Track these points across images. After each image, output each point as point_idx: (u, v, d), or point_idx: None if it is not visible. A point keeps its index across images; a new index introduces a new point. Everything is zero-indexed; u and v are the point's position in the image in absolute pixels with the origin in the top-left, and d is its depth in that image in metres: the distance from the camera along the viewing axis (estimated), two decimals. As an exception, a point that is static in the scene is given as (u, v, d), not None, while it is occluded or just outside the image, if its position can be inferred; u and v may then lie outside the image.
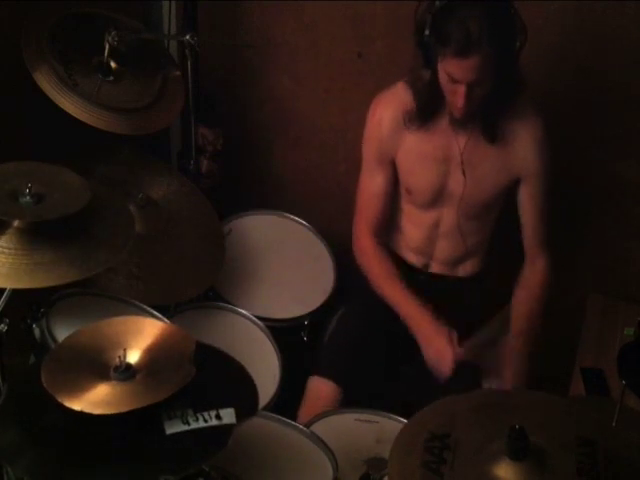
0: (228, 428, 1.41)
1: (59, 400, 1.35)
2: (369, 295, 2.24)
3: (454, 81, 1.91)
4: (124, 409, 1.35)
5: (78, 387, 1.39)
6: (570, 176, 2.37)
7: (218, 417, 1.41)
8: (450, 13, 1.85)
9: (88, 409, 1.35)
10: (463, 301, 2.27)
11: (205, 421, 1.40)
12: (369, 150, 2.19)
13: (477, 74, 1.88)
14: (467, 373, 2.09)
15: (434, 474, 1.30)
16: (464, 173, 2.09)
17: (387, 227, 2.25)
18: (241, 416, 1.43)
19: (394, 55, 2.09)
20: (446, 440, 1.35)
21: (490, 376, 2.12)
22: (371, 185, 2.20)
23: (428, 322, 2.10)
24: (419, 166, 2.14)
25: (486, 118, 2.03)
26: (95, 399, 1.38)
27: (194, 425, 1.40)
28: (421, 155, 2.12)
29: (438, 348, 2.07)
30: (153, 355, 1.47)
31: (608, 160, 2.40)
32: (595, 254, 2.53)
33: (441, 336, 2.07)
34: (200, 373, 1.42)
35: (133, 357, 1.46)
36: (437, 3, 1.88)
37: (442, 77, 1.93)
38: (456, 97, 1.93)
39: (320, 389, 2.15)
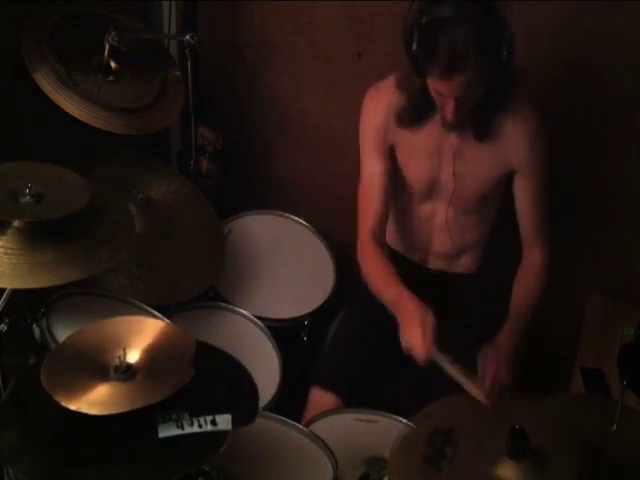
0: (222, 434, 1.40)
1: (58, 400, 1.35)
2: (368, 297, 2.23)
3: (442, 95, 1.90)
4: (124, 409, 1.35)
5: (78, 387, 1.39)
6: (570, 176, 2.37)
7: (213, 423, 1.40)
8: (435, 30, 1.81)
9: (87, 409, 1.34)
10: (462, 300, 2.27)
11: (200, 426, 1.39)
12: (366, 140, 2.16)
13: (464, 90, 1.86)
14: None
15: (433, 467, 1.31)
16: (456, 166, 2.08)
17: (385, 226, 2.23)
18: (239, 422, 1.42)
19: (394, 55, 2.08)
20: (449, 435, 1.36)
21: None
22: (370, 177, 2.16)
23: (413, 305, 1.96)
24: (412, 159, 2.14)
25: (478, 119, 2.02)
26: (95, 399, 1.38)
27: (188, 430, 1.38)
28: (414, 148, 2.12)
29: (410, 337, 1.93)
30: (153, 355, 1.46)
31: (608, 160, 2.40)
32: (595, 254, 2.53)
33: (415, 323, 1.92)
34: (202, 375, 1.42)
35: (133, 357, 1.45)
36: (424, 19, 1.83)
37: (431, 90, 1.93)
38: (446, 109, 1.92)
39: (322, 402, 2.14)
